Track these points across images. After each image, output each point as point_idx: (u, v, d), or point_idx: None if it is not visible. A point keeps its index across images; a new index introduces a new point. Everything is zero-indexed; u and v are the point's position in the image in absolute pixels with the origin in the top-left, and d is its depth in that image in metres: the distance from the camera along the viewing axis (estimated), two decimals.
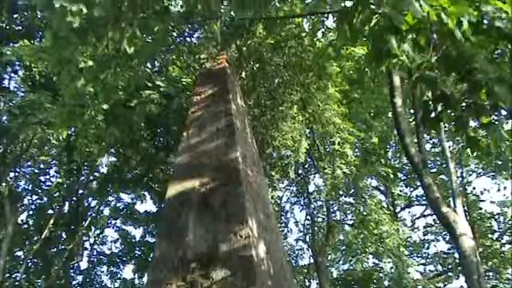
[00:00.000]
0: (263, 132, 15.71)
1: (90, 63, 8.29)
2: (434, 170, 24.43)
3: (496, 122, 4.24)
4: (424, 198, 26.24)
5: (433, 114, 4.38)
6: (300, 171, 20.52)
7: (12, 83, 17.88)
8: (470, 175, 26.10)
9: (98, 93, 8.91)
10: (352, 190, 20.33)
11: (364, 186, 19.51)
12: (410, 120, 16.68)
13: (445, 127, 16.31)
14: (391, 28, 3.94)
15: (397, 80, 12.91)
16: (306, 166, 20.78)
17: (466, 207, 20.61)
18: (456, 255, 21.64)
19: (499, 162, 23.57)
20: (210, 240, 9.24)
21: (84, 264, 23.19)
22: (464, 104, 4.24)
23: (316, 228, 23.38)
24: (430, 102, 4.39)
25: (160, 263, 9.38)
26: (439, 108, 4.34)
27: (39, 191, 20.72)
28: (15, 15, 17.87)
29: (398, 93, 12.71)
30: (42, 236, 16.83)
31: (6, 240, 14.67)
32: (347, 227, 25.56)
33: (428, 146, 22.90)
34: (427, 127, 4.57)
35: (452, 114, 4.35)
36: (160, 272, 9.22)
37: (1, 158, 17.06)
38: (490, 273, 24.91)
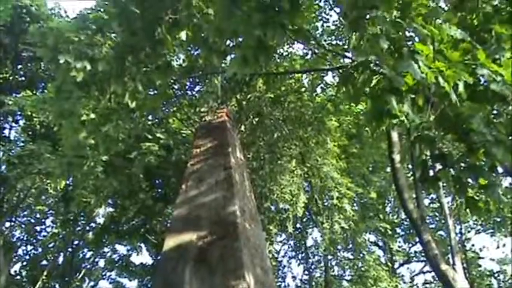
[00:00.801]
0: (262, 186, 15.71)
1: (93, 115, 8.40)
2: (433, 225, 24.26)
3: (495, 183, 4.28)
4: (422, 254, 25.93)
5: (431, 173, 4.44)
6: (298, 225, 20.37)
7: (13, 132, 18.02)
8: (469, 231, 25.87)
9: (98, 144, 8.98)
10: (351, 245, 20.12)
11: (362, 242, 19.32)
12: (409, 175, 16.73)
13: (444, 184, 16.35)
14: (391, 89, 4.05)
15: (395, 136, 13.04)
16: (304, 220, 20.67)
17: (465, 264, 20.32)
18: None
19: (498, 219, 23.44)
20: None
21: None
22: (462, 164, 4.30)
23: (313, 283, 22.92)
24: (429, 161, 4.45)
25: None
26: (438, 167, 4.40)
27: (34, 241, 20.47)
28: (18, 66, 18.21)
29: (397, 149, 12.80)
30: None
31: None
32: (345, 283, 25.12)
33: (426, 202, 22.83)
34: (426, 186, 4.59)
35: (451, 173, 4.39)
36: None
37: None
38: None
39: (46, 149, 13.33)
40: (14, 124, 17.84)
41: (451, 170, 4.37)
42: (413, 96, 4.28)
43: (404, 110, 4.10)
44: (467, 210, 4.36)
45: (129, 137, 10.90)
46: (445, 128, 4.40)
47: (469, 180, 4.38)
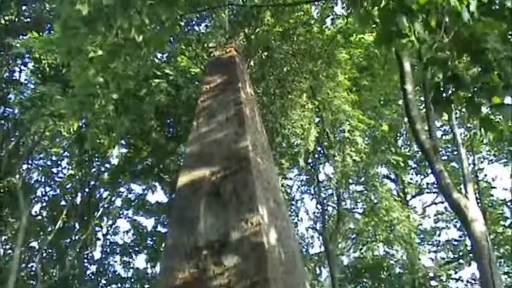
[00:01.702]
0: (272, 121, 15.69)
1: (100, 52, 8.29)
2: (445, 157, 24.27)
3: (509, 103, 4.21)
4: (434, 185, 26.12)
5: (444, 96, 4.36)
6: (309, 160, 20.45)
7: (23, 75, 17.99)
8: (481, 162, 25.84)
9: (108, 82, 8.93)
10: (363, 178, 20.24)
11: (374, 174, 19.40)
12: (421, 108, 16.56)
13: (456, 113, 16.21)
14: (402, 9, 3.91)
15: (407, 66, 12.78)
16: (316, 155, 20.71)
17: (477, 194, 20.46)
18: (467, 242, 21.61)
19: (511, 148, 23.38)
20: (221, 228, 9.30)
21: (97, 254, 23.42)
22: (476, 85, 4.20)
23: (326, 216, 23.32)
24: (441, 84, 4.36)
25: (173, 250, 9.46)
26: (451, 89, 4.31)
27: (52, 182, 20.91)
28: (23, 8, 17.92)
29: (409, 79, 12.58)
30: (56, 227, 17.00)
31: (21, 231, 14.86)
32: (357, 215, 25.56)
33: (439, 134, 22.75)
34: (438, 110, 4.51)
35: (464, 96, 4.32)
36: (173, 260, 9.30)
37: (14, 150, 17.21)
38: (502, 260, 24.78)
39: (57, 90, 13.33)
40: (23, 67, 17.79)
41: (465, 91, 4.29)
42: (425, 16, 4.14)
43: (416, 29, 3.98)
44: (482, 130, 4.29)
45: (138, 74, 10.81)
46: (458, 48, 4.28)
47: (483, 102, 4.30)
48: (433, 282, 27.25)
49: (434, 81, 4.37)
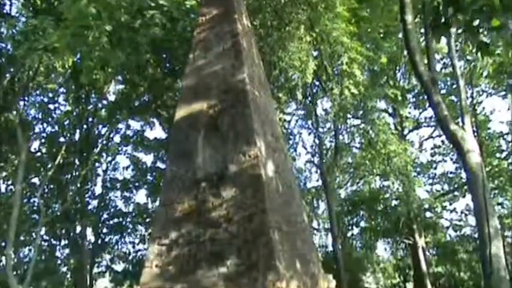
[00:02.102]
0: (270, 54, 15.44)
1: None
2: (444, 91, 24.17)
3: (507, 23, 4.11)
4: (432, 119, 26.22)
5: (443, 20, 4.25)
6: (307, 94, 20.30)
7: (14, 8, 17.51)
8: (480, 95, 25.78)
9: (101, 13, 8.69)
10: (360, 112, 20.20)
11: (372, 108, 19.29)
12: (421, 40, 16.26)
13: (456, 45, 15.95)
14: None
15: None
16: (314, 88, 20.55)
17: (474, 128, 20.56)
18: (463, 174, 21.91)
19: (511, 81, 23.22)
20: (219, 161, 9.40)
21: (98, 190, 23.79)
22: (475, 7, 4.09)
23: (324, 151, 23.48)
24: (441, 7, 4.24)
25: (172, 183, 9.60)
26: (449, 12, 4.20)
27: (50, 119, 20.86)
28: None
29: (409, 10, 12.28)
30: (56, 163, 17.14)
31: (21, 167, 14.97)
32: (355, 150, 25.78)
33: (438, 67, 22.51)
34: (437, 33, 4.41)
35: (463, 19, 4.21)
36: (172, 192, 9.46)
37: (9, 86, 17.05)
38: (496, 191, 25.26)
39: (49, 23, 12.99)
40: (14, 0, 17.30)
41: (464, 14, 4.18)
42: None
43: None
44: (479, 54, 4.23)
45: (132, 4, 10.50)
46: None
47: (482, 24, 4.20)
48: (428, 214, 27.93)
49: (434, 4, 4.26)
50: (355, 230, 32.69)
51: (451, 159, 27.00)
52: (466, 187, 22.52)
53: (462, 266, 31.28)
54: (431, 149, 28.62)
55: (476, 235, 15.16)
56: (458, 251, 30.57)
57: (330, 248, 27.25)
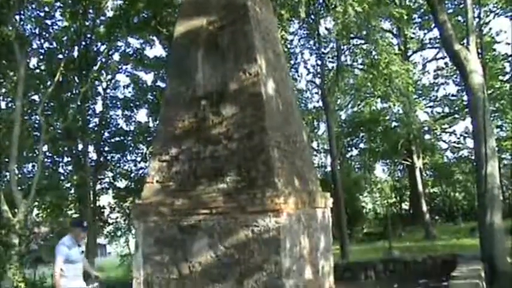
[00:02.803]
0: None
1: None
2: (451, 11, 23.48)
3: None
4: (437, 40, 25.72)
5: None
6: (310, 12, 19.69)
7: None
8: (488, 15, 25.03)
9: None
10: (364, 32, 19.69)
11: (376, 27, 18.75)
12: None
13: None
14: None
15: None
16: (317, 5, 19.87)
17: (480, 49, 20.15)
18: (464, 97, 21.83)
19: None
20: (219, 78, 9.31)
21: (99, 108, 23.81)
22: None
23: (326, 71, 23.14)
24: None
25: (172, 100, 9.57)
26: None
27: (47, 35, 20.43)
28: None
29: None
30: (55, 80, 16.98)
31: (21, 83, 14.86)
32: (357, 71, 25.49)
33: None
34: None
35: None
36: (172, 110, 9.46)
37: (4, 0, 16.51)
38: (496, 114, 25.26)
39: None
40: None
41: None
42: None
43: None
44: None
45: None
46: None
47: None
48: (427, 136, 28.15)
49: None
50: (354, 152, 33.24)
51: (454, 81, 26.81)
52: (466, 110, 22.52)
53: (457, 186, 32.06)
54: (434, 71, 28.36)
55: (473, 157, 15.35)
56: (454, 172, 31.19)
57: (329, 169, 27.74)
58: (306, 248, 8.81)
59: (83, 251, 7.73)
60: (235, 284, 7.88)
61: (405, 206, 35.92)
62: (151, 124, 23.87)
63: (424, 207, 25.03)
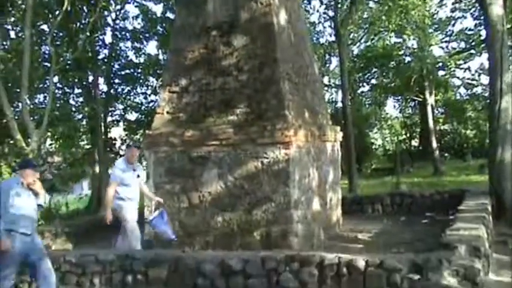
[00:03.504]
0: None
1: None
2: None
3: None
4: None
5: None
6: None
7: None
8: None
9: None
10: None
11: None
12: None
13: None
14: None
15: None
16: None
17: None
18: (482, 32, 21.17)
19: None
20: (230, 8, 9.08)
21: (108, 39, 23.42)
22: None
23: (339, 3, 22.38)
24: None
25: (182, 31, 9.40)
26: None
27: None
28: None
29: None
30: (63, 9, 16.65)
31: (29, 11, 14.54)
32: (371, 4, 24.70)
33: None
34: None
35: None
36: (182, 40, 9.31)
37: None
38: None
39: None
40: None
41: None
42: None
43: None
44: None
45: None
46: None
47: None
48: (440, 72, 27.63)
49: None
50: (366, 87, 32.81)
51: (472, 15, 25.89)
52: (483, 45, 21.93)
53: (469, 124, 31.82)
54: (452, 4, 27.34)
55: (487, 94, 15.07)
56: (466, 109, 30.86)
57: (339, 104, 27.53)
58: (315, 180, 8.91)
59: (138, 175, 7.74)
60: (244, 213, 8.06)
61: (415, 143, 35.90)
62: (161, 57, 23.58)
63: (434, 144, 24.96)
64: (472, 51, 25.23)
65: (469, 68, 27.94)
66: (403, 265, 5.05)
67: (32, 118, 15.52)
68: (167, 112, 8.90)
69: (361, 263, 5.17)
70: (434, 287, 4.81)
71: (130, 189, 7.56)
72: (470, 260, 5.13)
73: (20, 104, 15.64)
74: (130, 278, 6.13)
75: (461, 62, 26.30)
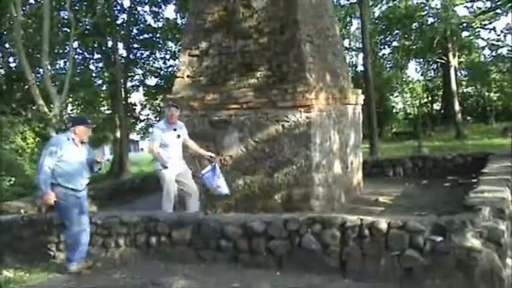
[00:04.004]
0: None
1: None
2: None
3: None
4: None
5: None
6: None
7: None
8: None
9: None
10: None
11: None
12: None
13: None
14: None
15: None
16: None
17: None
18: None
19: None
20: None
21: (126, 3, 23.30)
22: None
23: None
24: None
25: None
26: None
27: None
28: None
29: None
30: None
31: None
32: None
33: None
34: None
35: None
36: (202, 3, 9.18)
37: None
38: None
39: None
40: None
41: None
42: None
43: None
44: None
45: None
46: None
47: None
48: (464, 33, 26.94)
49: None
50: (387, 50, 32.19)
51: None
52: (509, 5, 21.25)
53: (493, 86, 31.15)
54: None
55: None
56: (491, 72, 30.16)
57: (360, 68, 27.14)
58: (336, 143, 8.87)
59: (179, 135, 7.68)
60: (265, 176, 8.09)
61: (436, 106, 35.39)
62: (179, 21, 23.42)
63: (457, 107, 24.61)
64: (498, 10, 24.46)
65: (494, 29, 27.06)
66: (425, 227, 5.03)
67: (53, 84, 15.67)
68: (187, 76, 8.87)
69: (383, 224, 5.15)
70: (458, 249, 4.79)
71: (169, 149, 7.55)
72: (494, 222, 5.09)
73: (41, 70, 15.78)
74: (155, 240, 6.23)
75: (486, 22, 25.52)
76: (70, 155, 5.87)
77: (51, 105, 14.09)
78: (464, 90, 32.57)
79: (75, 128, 5.97)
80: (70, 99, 20.20)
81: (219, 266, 5.77)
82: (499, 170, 8.37)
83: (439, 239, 4.91)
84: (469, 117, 30.48)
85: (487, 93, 31.97)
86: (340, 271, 5.30)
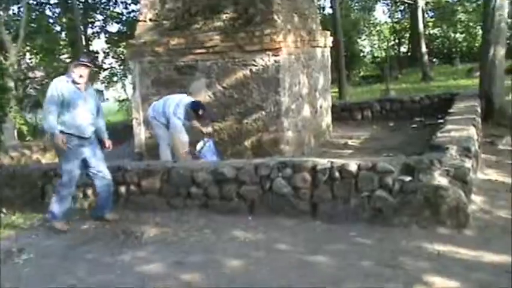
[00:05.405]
0: None
1: None
2: None
3: None
4: None
5: None
6: None
7: None
8: None
9: None
10: None
11: None
12: None
13: None
14: None
15: None
16: None
17: None
18: None
19: None
20: None
21: None
22: None
23: None
24: None
25: None
26: None
27: None
28: None
29: None
30: None
31: None
32: None
33: None
34: None
35: None
36: None
37: None
38: None
39: None
40: None
41: None
42: None
43: None
44: None
45: None
46: None
47: None
48: None
49: None
50: None
51: None
52: None
53: (459, 27, 31.24)
54: None
55: None
56: (457, 12, 30.17)
57: (328, 11, 26.73)
58: (305, 87, 8.78)
59: None
60: (234, 122, 7.99)
61: (403, 49, 35.44)
62: None
63: (424, 49, 24.60)
64: None
65: None
66: (394, 167, 5.06)
67: (7, 31, 14.89)
68: (150, 19, 8.52)
69: (353, 166, 5.16)
70: (425, 188, 4.85)
71: None
72: (461, 160, 5.15)
73: None
74: (124, 189, 6.12)
75: None
76: (73, 98, 5.33)
77: (7, 54, 13.41)
78: (431, 31, 32.58)
79: (75, 68, 5.39)
80: (28, 48, 19.25)
81: (191, 213, 5.72)
82: (465, 109, 8.48)
83: (408, 178, 4.95)
84: (435, 59, 30.61)
85: (452, 35, 32.09)
86: (311, 214, 5.33)
